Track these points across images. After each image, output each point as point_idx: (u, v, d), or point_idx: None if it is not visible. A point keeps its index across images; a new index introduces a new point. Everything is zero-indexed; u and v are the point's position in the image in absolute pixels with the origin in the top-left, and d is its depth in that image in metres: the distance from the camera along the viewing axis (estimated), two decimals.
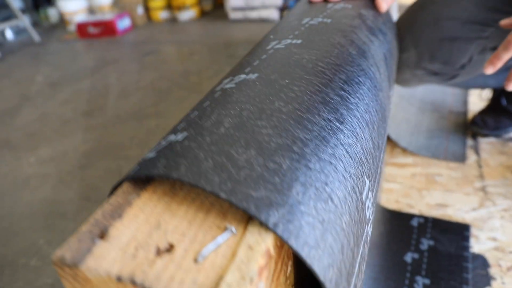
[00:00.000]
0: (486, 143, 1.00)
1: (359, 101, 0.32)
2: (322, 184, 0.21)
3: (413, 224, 0.76)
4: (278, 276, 0.20)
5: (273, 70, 0.32)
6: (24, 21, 2.92)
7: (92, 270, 0.18)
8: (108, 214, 0.20)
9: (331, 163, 0.23)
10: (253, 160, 0.21)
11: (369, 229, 0.27)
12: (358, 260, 0.23)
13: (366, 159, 0.28)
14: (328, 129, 0.26)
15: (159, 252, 0.18)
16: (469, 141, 1.02)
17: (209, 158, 0.21)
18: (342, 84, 0.32)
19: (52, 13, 3.59)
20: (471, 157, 0.95)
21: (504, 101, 1.02)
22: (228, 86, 0.31)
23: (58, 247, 0.92)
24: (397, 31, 0.81)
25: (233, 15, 2.89)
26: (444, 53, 0.77)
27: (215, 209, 0.20)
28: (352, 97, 0.32)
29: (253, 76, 0.32)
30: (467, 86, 1.05)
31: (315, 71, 0.32)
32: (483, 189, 0.84)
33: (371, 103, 0.34)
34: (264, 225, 0.18)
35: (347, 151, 0.25)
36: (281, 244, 0.21)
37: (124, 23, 2.96)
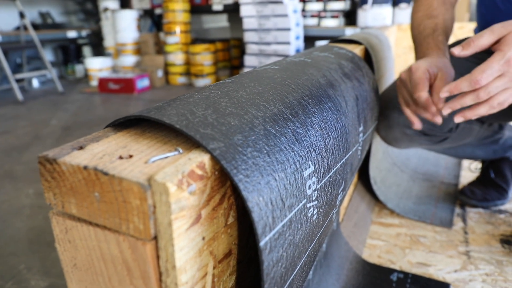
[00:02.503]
0: (474, 213, 1.01)
1: (317, 111, 0.37)
2: (263, 144, 0.26)
3: (392, 278, 0.75)
4: (215, 206, 0.24)
5: (246, 78, 0.38)
6: (52, 73, 3.15)
7: (67, 163, 0.23)
8: (89, 139, 0.26)
9: (275, 135, 0.28)
10: (208, 115, 0.26)
11: (308, 205, 0.30)
12: (288, 217, 0.26)
13: (315, 151, 0.32)
14: (280, 115, 0.30)
15: (120, 158, 0.22)
16: (458, 210, 1.03)
17: (173, 109, 0.26)
18: (304, 96, 0.37)
19: (78, 69, 3.87)
20: (458, 224, 0.96)
21: (492, 174, 1.05)
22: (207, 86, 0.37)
23: (37, 272, 0.91)
24: (380, 94, 0.88)
25: None
26: None
27: (171, 143, 0.26)
28: (311, 106, 0.36)
29: (229, 80, 0.37)
30: (457, 156, 1.09)
31: (282, 84, 0.38)
32: (467, 253, 0.84)
33: (329, 118, 0.39)
34: (204, 150, 0.22)
35: (293, 134, 0.30)
36: (220, 178, 0.25)
37: (143, 83, 3.16)
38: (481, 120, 0.92)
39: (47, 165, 0.23)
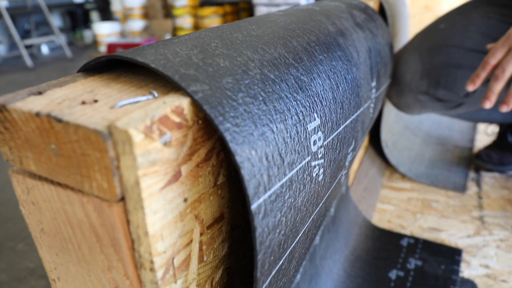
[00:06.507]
0: (489, 177, 0.97)
1: (324, 59, 0.33)
2: (258, 89, 0.22)
3: (403, 243, 0.73)
4: (200, 163, 0.21)
5: (245, 21, 0.33)
6: (61, 39, 3.10)
7: (17, 109, 0.20)
8: (52, 85, 0.22)
9: (274, 80, 0.24)
10: (193, 55, 0.22)
11: (313, 163, 0.26)
12: (289, 175, 0.23)
13: (321, 102, 0.28)
14: (281, 60, 0.26)
15: (83, 103, 0.19)
16: (472, 174, 0.99)
17: (152, 49, 0.22)
18: (310, 42, 0.33)
19: (87, 35, 3.81)
20: (472, 188, 0.93)
21: (510, 137, 1.00)
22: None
23: None
24: (396, 51, 0.82)
25: None
26: (448, 79, 0.77)
27: (147, 87, 0.22)
28: (318, 53, 0.32)
29: (225, 24, 0.33)
30: (472, 120, 1.04)
31: (285, 28, 0.33)
32: (480, 218, 0.81)
33: (339, 67, 0.35)
34: (184, 93, 0.19)
35: (296, 81, 0.26)
36: (205, 129, 0.22)
37: None
38: None
39: None
